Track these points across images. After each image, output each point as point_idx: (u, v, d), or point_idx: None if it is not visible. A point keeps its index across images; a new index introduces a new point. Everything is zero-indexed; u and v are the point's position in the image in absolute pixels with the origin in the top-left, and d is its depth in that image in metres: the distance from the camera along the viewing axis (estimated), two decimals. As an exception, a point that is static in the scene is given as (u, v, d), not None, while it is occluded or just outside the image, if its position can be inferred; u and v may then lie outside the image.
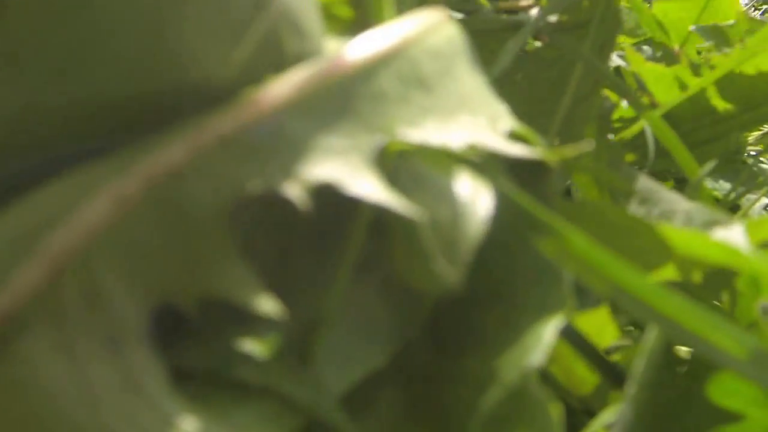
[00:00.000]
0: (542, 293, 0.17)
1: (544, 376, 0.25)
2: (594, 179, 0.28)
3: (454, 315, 0.17)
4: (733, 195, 0.53)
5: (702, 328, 0.16)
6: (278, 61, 0.16)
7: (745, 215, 0.50)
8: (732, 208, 0.53)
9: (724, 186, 0.54)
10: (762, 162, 0.58)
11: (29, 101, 0.14)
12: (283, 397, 0.14)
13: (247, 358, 0.14)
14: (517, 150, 0.19)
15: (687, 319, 0.17)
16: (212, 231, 0.13)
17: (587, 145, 0.22)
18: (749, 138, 0.58)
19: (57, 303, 0.12)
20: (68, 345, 0.12)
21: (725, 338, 0.17)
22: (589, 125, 0.33)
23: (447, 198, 0.16)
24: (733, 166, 0.54)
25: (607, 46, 0.37)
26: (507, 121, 0.21)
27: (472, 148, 0.18)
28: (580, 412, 0.25)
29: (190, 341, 0.14)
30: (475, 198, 0.17)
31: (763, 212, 0.56)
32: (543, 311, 0.17)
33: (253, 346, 0.14)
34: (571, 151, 0.21)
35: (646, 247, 0.22)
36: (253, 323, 0.14)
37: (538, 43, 0.40)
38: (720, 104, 0.44)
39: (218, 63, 0.15)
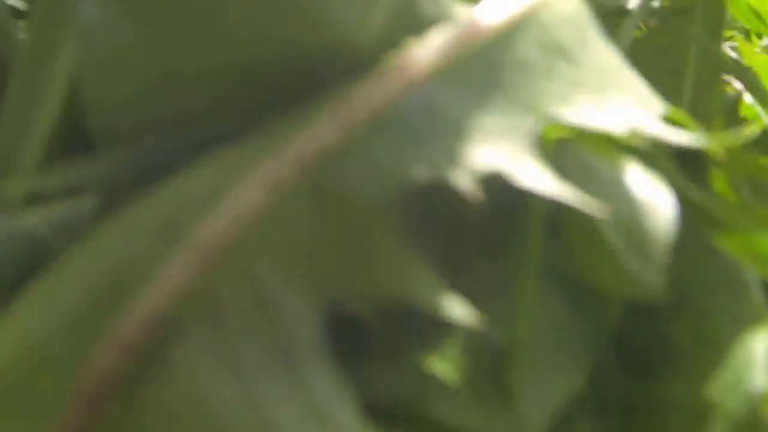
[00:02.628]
0: (729, 300, 0.16)
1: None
2: (732, 176, 0.27)
3: (637, 327, 0.15)
4: None
5: None
6: (415, 24, 0.16)
7: None
8: None
9: None
10: None
11: (166, 67, 0.14)
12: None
13: (438, 388, 0.12)
14: (679, 137, 0.17)
15: None
16: (380, 224, 0.12)
17: (749, 133, 0.21)
18: None
19: (213, 303, 0.10)
20: (232, 355, 0.10)
21: None
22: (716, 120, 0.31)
23: (622, 193, 0.15)
24: None
25: (716, 31, 0.36)
26: (657, 102, 0.19)
27: (635, 134, 0.17)
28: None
29: (370, 365, 0.12)
30: (654, 194, 0.15)
31: None
32: (736, 322, 0.16)
33: (445, 370, 0.12)
34: (736, 138, 0.20)
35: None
36: (435, 342, 0.12)
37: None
38: None
39: (356, 25, 0.15)
